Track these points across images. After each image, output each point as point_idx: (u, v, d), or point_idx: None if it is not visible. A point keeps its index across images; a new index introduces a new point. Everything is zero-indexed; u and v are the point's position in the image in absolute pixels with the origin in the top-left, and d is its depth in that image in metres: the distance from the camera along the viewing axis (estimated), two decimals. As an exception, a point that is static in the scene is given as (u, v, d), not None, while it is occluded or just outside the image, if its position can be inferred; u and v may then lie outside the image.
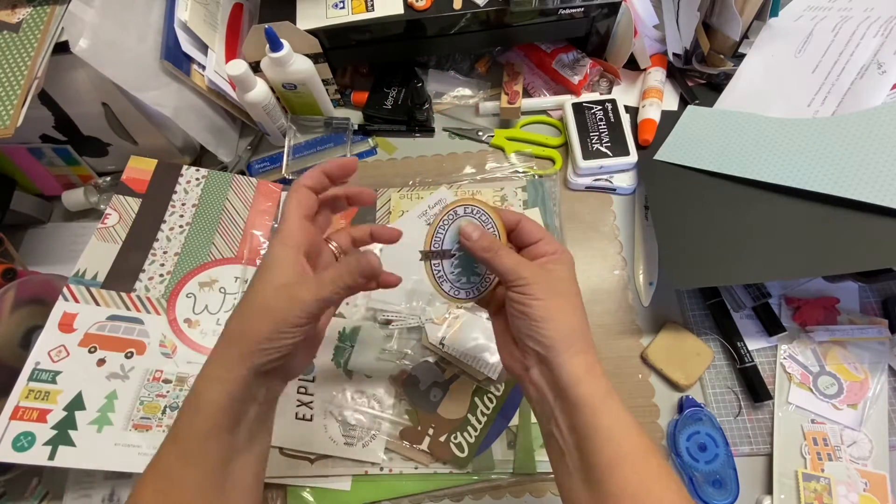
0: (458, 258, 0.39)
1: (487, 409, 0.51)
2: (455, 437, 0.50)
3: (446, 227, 0.39)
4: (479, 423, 0.51)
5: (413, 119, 0.67)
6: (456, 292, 0.39)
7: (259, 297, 0.33)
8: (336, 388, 0.53)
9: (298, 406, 0.52)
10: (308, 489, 0.50)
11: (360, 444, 0.50)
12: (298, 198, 0.36)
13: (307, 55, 0.60)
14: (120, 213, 0.57)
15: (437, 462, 0.50)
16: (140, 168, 0.60)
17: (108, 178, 0.64)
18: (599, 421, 0.32)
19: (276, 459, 0.50)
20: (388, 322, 0.55)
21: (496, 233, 0.37)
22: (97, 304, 0.52)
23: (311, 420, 0.51)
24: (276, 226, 0.62)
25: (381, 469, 0.50)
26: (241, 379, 0.32)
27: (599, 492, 0.31)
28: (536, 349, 0.34)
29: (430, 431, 0.50)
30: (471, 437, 0.50)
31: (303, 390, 0.53)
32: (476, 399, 0.52)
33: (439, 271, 0.39)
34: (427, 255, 0.39)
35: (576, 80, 0.65)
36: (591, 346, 0.34)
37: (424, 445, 0.50)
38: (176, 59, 0.56)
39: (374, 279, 0.37)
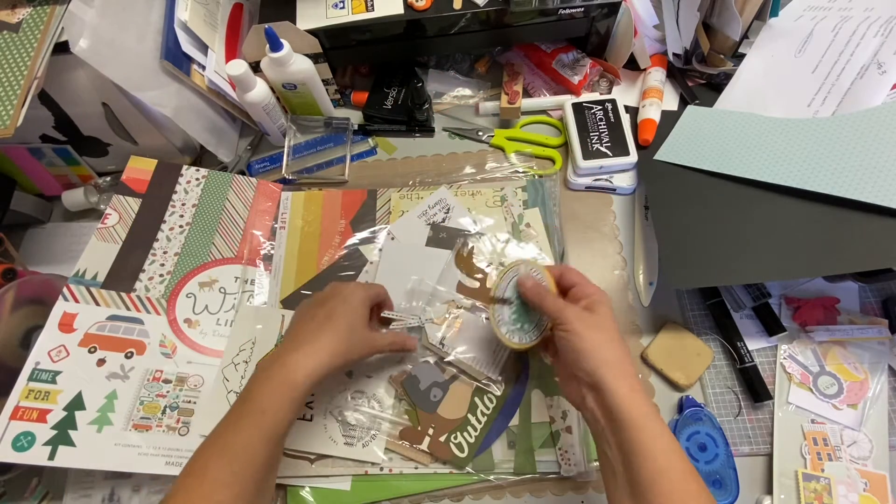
0: (515, 307, 0.47)
1: (487, 409, 0.51)
2: (455, 437, 0.50)
3: (508, 279, 0.48)
4: (479, 423, 0.51)
5: (413, 119, 0.67)
6: (511, 336, 0.47)
7: (349, 330, 0.45)
8: (336, 388, 0.53)
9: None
10: (308, 489, 0.50)
11: (360, 444, 0.50)
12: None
13: (307, 55, 0.60)
14: (120, 213, 0.57)
15: (437, 462, 0.50)
16: (140, 168, 0.60)
17: (108, 178, 0.64)
18: (642, 438, 0.36)
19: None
20: (388, 322, 0.55)
21: (547, 285, 0.45)
22: (97, 304, 0.52)
23: (311, 420, 0.51)
24: (276, 226, 0.62)
25: (381, 469, 0.50)
26: (317, 378, 0.42)
27: None
28: (585, 377, 0.39)
29: (430, 431, 0.50)
30: (471, 437, 0.50)
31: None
32: (476, 399, 0.52)
33: (500, 317, 0.48)
34: (493, 300, 0.48)
35: (576, 80, 0.65)
36: (633, 372, 0.39)
37: (424, 445, 0.50)
38: (176, 59, 0.56)
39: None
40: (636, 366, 0.42)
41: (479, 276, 0.57)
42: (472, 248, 0.58)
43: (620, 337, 0.41)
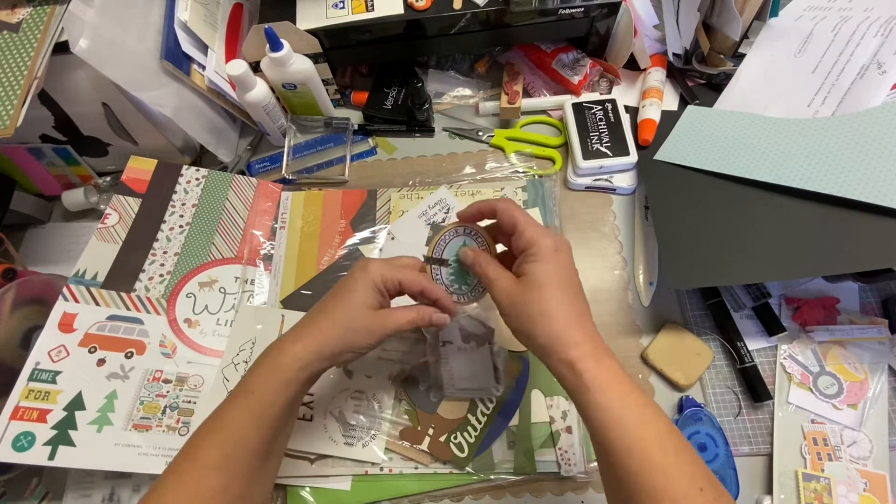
0: (453, 268, 0.46)
1: (487, 409, 0.51)
2: (455, 437, 0.50)
3: (447, 240, 0.46)
4: (479, 423, 0.51)
5: (413, 119, 0.67)
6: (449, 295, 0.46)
7: (351, 315, 0.40)
8: (336, 388, 0.53)
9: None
10: (308, 489, 0.50)
11: (359, 444, 0.50)
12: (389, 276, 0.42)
13: (307, 55, 0.60)
14: (120, 213, 0.57)
15: (437, 462, 0.50)
16: (140, 168, 0.60)
17: (108, 178, 0.64)
18: (601, 415, 0.34)
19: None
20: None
21: (487, 244, 0.44)
22: (97, 304, 0.52)
23: (311, 420, 0.51)
24: (276, 226, 0.62)
25: (381, 469, 0.50)
26: (319, 368, 0.40)
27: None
28: (531, 348, 0.39)
29: (430, 431, 0.50)
30: (471, 437, 0.50)
31: (303, 390, 0.53)
32: (476, 399, 0.52)
33: (438, 277, 0.46)
34: (429, 260, 0.46)
35: (576, 80, 0.65)
36: (583, 336, 0.36)
37: (424, 445, 0.50)
38: (176, 59, 0.56)
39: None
40: (589, 312, 0.39)
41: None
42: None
43: (566, 294, 0.38)
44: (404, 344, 0.54)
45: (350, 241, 0.60)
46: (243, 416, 0.37)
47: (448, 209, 0.61)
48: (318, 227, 0.61)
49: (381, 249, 0.59)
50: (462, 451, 0.50)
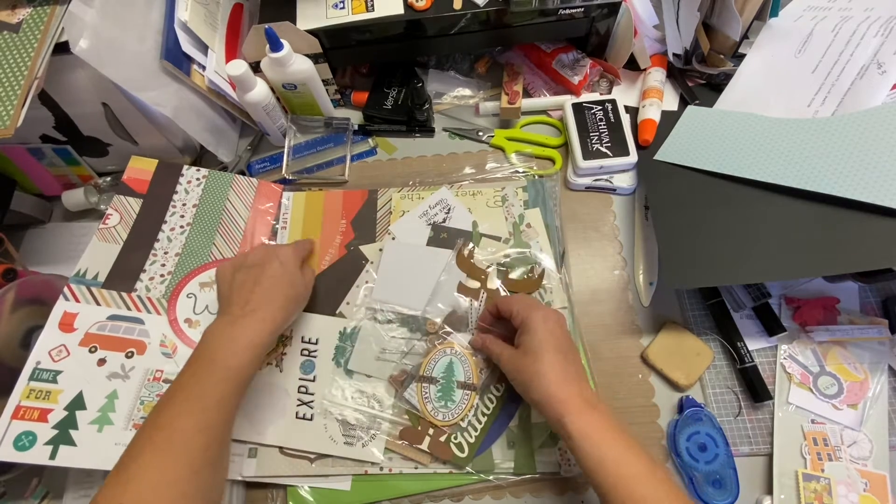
0: (441, 385, 0.52)
1: (488, 409, 0.51)
2: (455, 438, 0.50)
3: (436, 360, 0.53)
4: (480, 423, 0.51)
5: (413, 119, 0.67)
6: (435, 413, 0.51)
7: (297, 285, 0.50)
8: (336, 388, 0.53)
9: (299, 405, 0.52)
10: (308, 488, 0.50)
11: (359, 444, 0.50)
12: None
13: (307, 55, 0.60)
14: (121, 213, 0.57)
15: (437, 462, 0.50)
16: (141, 168, 0.60)
17: (109, 178, 0.64)
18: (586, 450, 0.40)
19: (276, 459, 0.50)
20: (389, 321, 0.55)
21: (471, 366, 0.53)
22: (98, 303, 0.52)
23: (311, 420, 0.52)
24: (277, 226, 0.62)
25: (381, 469, 0.50)
26: (275, 329, 0.46)
27: None
28: (534, 402, 0.44)
29: (430, 431, 0.50)
30: (471, 437, 0.50)
31: (303, 390, 0.53)
32: (476, 399, 0.52)
33: (427, 394, 0.52)
34: (420, 379, 0.52)
35: (576, 80, 0.65)
36: (570, 393, 0.42)
37: (424, 445, 0.50)
38: (176, 59, 0.56)
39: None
40: (582, 366, 0.46)
41: (480, 276, 0.57)
42: (473, 248, 0.58)
43: (557, 356, 0.44)
44: (404, 345, 0.55)
45: (350, 241, 0.60)
46: (225, 386, 0.41)
47: (449, 209, 0.61)
48: (318, 227, 0.61)
49: (381, 249, 0.59)
50: (462, 451, 0.50)
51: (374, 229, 0.61)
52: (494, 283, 0.56)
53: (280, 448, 0.51)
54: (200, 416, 0.40)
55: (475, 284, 0.56)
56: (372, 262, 0.59)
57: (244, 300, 0.46)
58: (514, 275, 0.57)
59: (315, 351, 0.55)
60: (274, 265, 0.49)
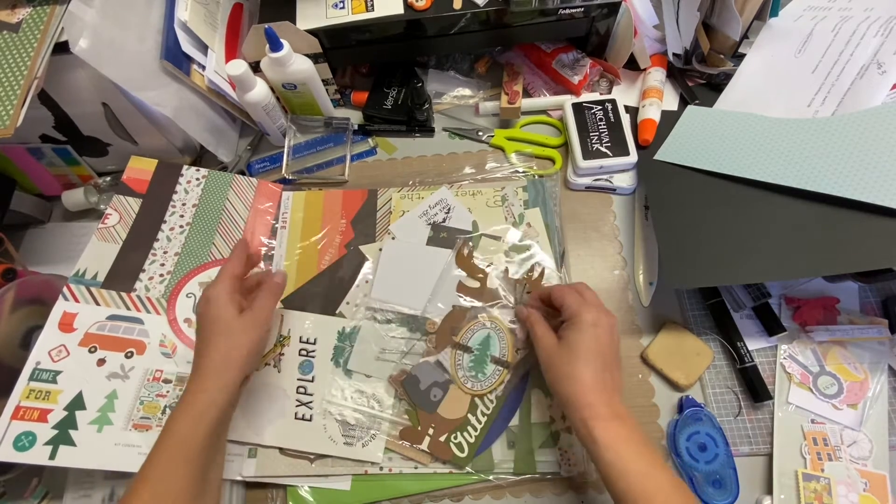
0: (475, 356, 0.52)
1: (488, 409, 0.51)
2: (455, 437, 0.50)
3: (475, 330, 0.53)
4: (480, 423, 0.51)
5: (413, 119, 0.67)
6: (465, 380, 0.52)
7: (228, 337, 0.44)
8: (336, 388, 0.53)
9: (298, 406, 0.52)
10: (307, 489, 0.50)
11: (359, 444, 0.50)
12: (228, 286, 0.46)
13: (307, 55, 0.60)
14: (120, 213, 0.57)
15: (437, 462, 0.50)
16: (140, 168, 0.60)
17: (108, 178, 0.64)
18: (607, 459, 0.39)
19: (275, 459, 0.50)
20: (388, 321, 0.55)
21: (507, 344, 0.53)
22: (97, 303, 0.52)
23: (310, 420, 0.51)
24: (276, 225, 0.62)
25: (381, 469, 0.50)
26: (236, 385, 0.43)
27: None
28: (562, 400, 0.43)
29: (431, 431, 0.50)
30: (471, 437, 0.50)
31: (302, 390, 0.53)
32: (476, 399, 0.52)
33: (460, 363, 0.52)
34: (456, 346, 0.53)
35: (576, 80, 0.65)
36: (600, 400, 0.41)
37: (424, 445, 0.50)
38: (176, 59, 0.56)
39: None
40: (621, 379, 0.44)
41: (480, 275, 0.57)
42: (473, 247, 0.58)
43: (595, 360, 0.43)
44: (404, 345, 0.55)
45: (350, 241, 0.60)
46: (172, 461, 0.40)
47: (449, 209, 0.61)
48: (318, 226, 0.61)
49: (381, 249, 0.59)
50: (462, 450, 0.50)
51: (374, 229, 0.61)
52: (494, 282, 0.56)
53: (280, 449, 0.51)
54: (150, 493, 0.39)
55: (475, 284, 0.56)
56: (371, 262, 0.59)
57: (194, 361, 0.44)
58: (514, 274, 0.57)
59: (313, 351, 0.55)
60: (203, 310, 0.45)
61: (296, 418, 0.52)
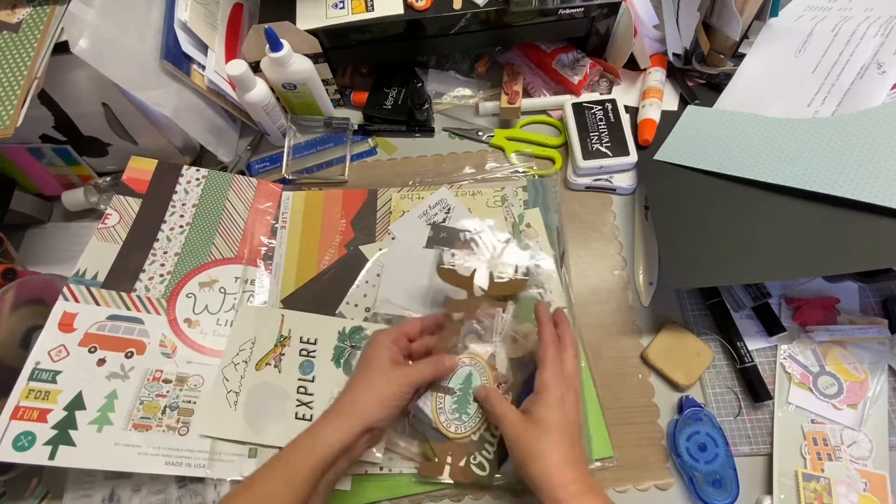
0: (457, 396, 0.50)
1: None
2: (474, 458, 0.49)
3: (454, 370, 0.51)
4: (494, 437, 0.49)
5: (413, 119, 0.67)
6: (448, 424, 0.49)
7: (368, 380, 0.45)
8: (336, 388, 0.53)
9: (298, 406, 0.52)
10: (308, 489, 0.50)
11: None
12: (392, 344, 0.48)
13: (307, 55, 0.60)
14: (120, 213, 0.57)
15: (464, 485, 0.49)
16: (140, 168, 0.60)
17: (108, 178, 0.64)
18: None
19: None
20: (389, 322, 0.55)
21: (489, 380, 0.51)
22: (97, 303, 0.52)
23: (311, 420, 0.51)
24: (276, 225, 0.62)
25: (381, 469, 0.50)
26: (357, 432, 0.42)
27: None
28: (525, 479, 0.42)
29: (449, 459, 0.49)
30: (489, 453, 0.49)
31: (302, 390, 0.53)
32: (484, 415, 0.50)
33: (441, 405, 0.50)
34: (437, 388, 0.51)
35: (576, 80, 0.65)
36: (572, 477, 0.40)
37: (446, 475, 0.48)
38: (176, 59, 0.56)
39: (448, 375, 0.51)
40: (585, 450, 0.45)
41: (467, 284, 0.54)
42: (454, 255, 0.56)
43: (563, 436, 0.42)
44: None
45: (350, 241, 0.60)
46: (278, 483, 0.40)
47: (449, 209, 0.61)
48: (318, 226, 0.61)
49: (381, 249, 0.59)
50: (483, 469, 0.48)
51: (374, 229, 0.61)
52: (480, 288, 0.54)
53: (280, 448, 0.51)
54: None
55: (463, 295, 0.54)
56: (371, 262, 0.59)
57: (344, 389, 0.46)
58: (499, 278, 0.55)
59: (314, 351, 0.55)
60: (364, 349, 0.48)
61: (296, 418, 0.52)
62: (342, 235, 0.61)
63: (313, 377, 0.53)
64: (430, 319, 0.51)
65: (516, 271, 0.56)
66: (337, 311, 0.57)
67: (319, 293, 0.58)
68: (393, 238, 0.60)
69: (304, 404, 0.52)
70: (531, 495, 0.49)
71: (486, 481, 0.49)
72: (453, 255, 0.57)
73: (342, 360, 0.54)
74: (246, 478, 0.41)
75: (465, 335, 0.52)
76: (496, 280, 0.55)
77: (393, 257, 0.59)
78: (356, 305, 0.57)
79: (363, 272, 0.58)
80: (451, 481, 0.48)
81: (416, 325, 0.50)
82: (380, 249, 0.59)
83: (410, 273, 0.57)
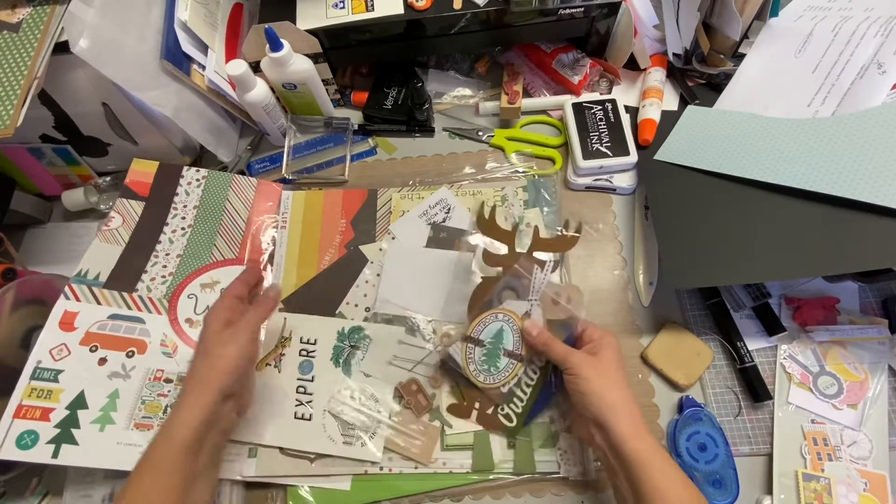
0: (487, 349, 0.50)
1: (532, 379, 0.50)
2: (502, 409, 0.51)
3: (487, 323, 0.51)
4: (525, 393, 0.50)
5: (413, 119, 0.67)
6: (477, 374, 0.50)
7: (205, 352, 0.44)
8: (334, 387, 0.53)
9: (297, 405, 0.52)
10: (307, 488, 0.50)
11: (358, 444, 0.50)
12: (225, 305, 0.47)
13: (307, 55, 0.60)
14: (123, 216, 0.58)
15: (490, 431, 0.51)
16: (143, 171, 0.60)
17: (108, 178, 0.64)
18: (649, 474, 0.39)
19: (276, 459, 0.50)
20: (412, 329, 0.55)
21: (521, 337, 0.50)
22: (98, 303, 0.53)
23: (310, 419, 0.52)
24: (277, 225, 0.62)
25: (381, 469, 0.50)
26: (210, 403, 0.41)
27: None
28: (593, 418, 0.43)
29: (477, 405, 0.51)
30: (517, 407, 0.50)
31: (302, 390, 0.53)
32: (521, 370, 0.50)
33: (471, 356, 0.50)
34: (466, 339, 0.51)
35: (576, 80, 0.65)
36: (635, 412, 0.42)
37: (473, 419, 0.51)
38: (176, 59, 0.56)
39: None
40: (638, 405, 0.44)
41: (508, 239, 0.52)
42: (495, 207, 0.53)
43: (624, 379, 0.44)
44: (417, 354, 0.54)
45: (350, 241, 0.60)
46: (144, 478, 0.39)
47: (448, 209, 0.61)
48: (318, 226, 0.61)
49: (381, 248, 0.59)
50: (510, 420, 0.50)
51: (374, 229, 0.61)
52: (523, 244, 0.52)
53: (280, 448, 0.51)
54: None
55: (503, 249, 0.52)
56: (371, 263, 0.59)
57: (188, 370, 0.45)
58: (545, 233, 0.53)
59: (313, 351, 0.55)
60: (202, 329, 0.45)
61: (295, 418, 0.52)
62: (342, 235, 0.61)
63: (312, 377, 0.54)
64: (247, 273, 0.51)
65: (567, 227, 0.52)
66: (337, 312, 0.57)
67: (320, 293, 0.58)
68: (393, 238, 0.60)
69: (304, 404, 0.52)
70: (531, 492, 0.50)
71: (511, 432, 0.50)
72: (495, 205, 0.56)
73: (341, 360, 0.54)
74: (120, 491, 0.39)
75: (501, 290, 0.51)
76: (541, 237, 0.52)
77: (393, 257, 0.59)
78: (356, 305, 0.57)
79: (364, 272, 0.59)
80: (479, 427, 0.50)
81: (239, 285, 0.49)
82: (380, 249, 0.59)
83: (410, 273, 0.57)
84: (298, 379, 0.53)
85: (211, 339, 0.44)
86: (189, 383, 0.43)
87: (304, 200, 0.63)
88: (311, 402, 0.52)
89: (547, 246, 0.52)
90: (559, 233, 0.52)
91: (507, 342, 0.50)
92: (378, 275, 0.58)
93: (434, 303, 0.56)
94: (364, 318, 0.56)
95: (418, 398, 0.52)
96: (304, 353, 0.55)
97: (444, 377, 0.53)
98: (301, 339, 0.55)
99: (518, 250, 0.52)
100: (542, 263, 0.50)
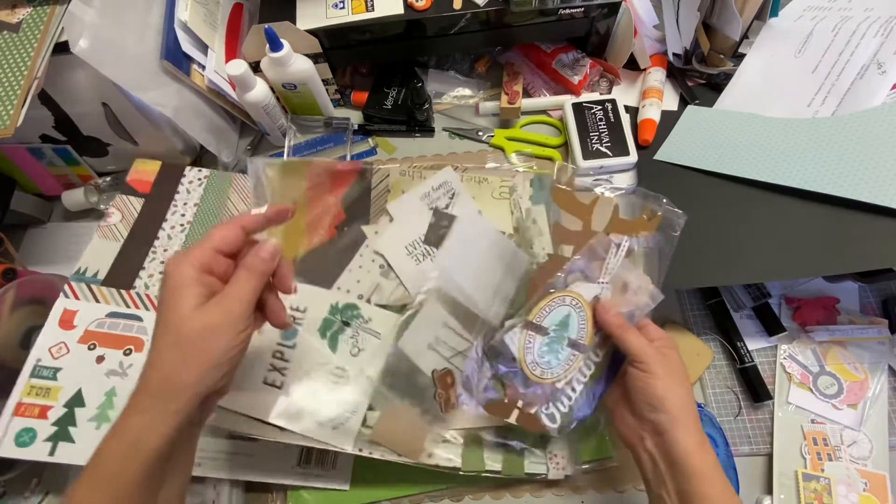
0: (550, 337, 0.44)
1: (584, 375, 0.45)
2: (547, 408, 0.45)
3: (552, 308, 0.44)
4: (574, 391, 0.45)
5: (413, 119, 0.67)
6: (534, 367, 0.44)
7: (177, 344, 0.32)
8: (314, 362, 0.49)
9: (270, 370, 0.48)
10: (308, 489, 0.50)
11: (329, 427, 0.46)
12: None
13: (307, 55, 0.60)
14: (122, 211, 0.58)
15: (529, 430, 0.46)
16: (145, 170, 0.60)
17: (108, 178, 0.64)
18: (707, 490, 0.36)
19: (274, 458, 0.50)
20: (463, 315, 0.48)
21: (587, 326, 0.44)
22: (97, 301, 0.53)
23: (280, 388, 0.47)
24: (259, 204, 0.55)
25: (361, 451, 0.46)
26: (186, 409, 0.31)
27: None
28: (655, 421, 0.39)
29: (520, 404, 0.45)
30: (564, 406, 0.45)
31: (279, 355, 0.48)
32: (581, 363, 0.46)
33: (530, 344, 0.44)
34: (528, 325, 0.44)
35: (576, 80, 0.65)
36: (698, 421, 0.39)
37: (513, 419, 0.45)
38: (176, 59, 0.57)
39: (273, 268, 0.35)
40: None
41: (585, 215, 0.47)
42: (573, 173, 0.47)
43: (689, 383, 0.41)
44: (459, 345, 0.48)
45: (343, 222, 0.55)
46: (94, 498, 0.30)
47: (452, 194, 0.57)
48: (304, 204, 0.55)
49: (377, 231, 0.55)
50: (554, 421, 0.44)
51: (369, 209, 0.56)
52: (601, 221, 0.46)
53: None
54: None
55: (577, 225, 0.47)
56: (369, 238, 0.54)
57: (148, 359, 0.33)
58: (624, 214, 0.47)
59: (301, 319, 0.51)
60: (159, 293, 0.33)
61: (264, 383, 0.47)
62: (332, 217, 0.55)
63: (294, 344, 0.49)
64: (234, 220, 0.36)
65: (652, 212, 0.48)
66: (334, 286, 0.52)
67: (312, 271, 0.52)
68: (391, 220, 0.55)
69: (277, 370, 0.48)
70: (531, 492, 0.49)
71: (555, 432, 0.45)
72: (572, 171, 0.49)
73: (328, 333, 0.50)
74: (65, 497, 0.31)
75: (570, 272, 0.45)
76: (620, 217, 0.48)
77: (459, 232, 0.52)
78: (348, 292, 0.52)
79: (359, 250, 0.54)
80: (515, 423, 0.44)
81: (218, 237, 0.34)
82: (376, 232, 0.54)
83: (474, 250, 0.51)
84: (278, 343, 0.49)
85: (185, 322, 0.31)
86: (155, 383, 0.32)
87: (280, 174, 0.55)
88: (285, 369, 0.48)
89: (625, 225, 0.47)
90: (645, 216, 0.47)
91: (572, 330, 0.45)
92: (380, 259, 0.53)
93: (489, 287, 0.50)
94: (437, 300, 0.49)
95: (450, 393, 0.47)
96: (290, 318, 0.49)
97: (483, 363, 0.45)
98: (291, 305, 0.50)
99: (593, 230, 0.46)
100: (617, 245, 0.46)
